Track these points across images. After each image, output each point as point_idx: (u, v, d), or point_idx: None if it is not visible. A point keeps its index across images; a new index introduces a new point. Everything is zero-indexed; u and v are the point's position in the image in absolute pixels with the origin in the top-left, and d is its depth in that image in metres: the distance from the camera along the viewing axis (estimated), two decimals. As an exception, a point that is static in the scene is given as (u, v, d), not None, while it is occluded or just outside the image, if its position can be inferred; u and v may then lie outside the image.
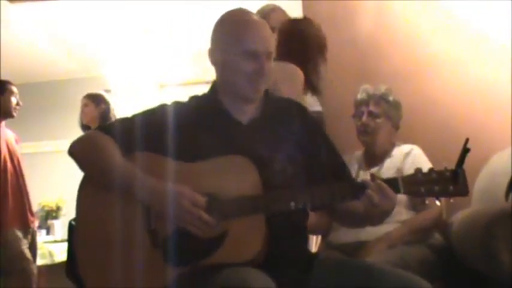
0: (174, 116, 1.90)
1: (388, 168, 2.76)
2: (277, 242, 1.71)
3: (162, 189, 1.71)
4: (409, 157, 2.75)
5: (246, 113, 1.91)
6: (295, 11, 3.42)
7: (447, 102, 3.50)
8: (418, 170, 1.71)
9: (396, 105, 2.91)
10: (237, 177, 1.75)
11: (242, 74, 1.84)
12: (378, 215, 1.75)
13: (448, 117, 3.46)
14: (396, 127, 2.92)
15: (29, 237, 4.43)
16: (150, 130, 1.86)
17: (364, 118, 2.86)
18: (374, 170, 2.78)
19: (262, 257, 1.67)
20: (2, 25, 5.66)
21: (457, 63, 3.49)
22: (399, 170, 2.72)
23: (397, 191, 1.70)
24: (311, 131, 1.98)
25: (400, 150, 2.82)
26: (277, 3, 3.38)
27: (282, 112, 1.97)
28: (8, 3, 5.43)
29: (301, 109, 2.05)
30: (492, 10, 3.38)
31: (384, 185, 1.69)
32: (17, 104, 4.40)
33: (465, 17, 3.47)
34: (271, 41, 1.89)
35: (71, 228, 1.85)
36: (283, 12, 3.28)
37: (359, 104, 2.91)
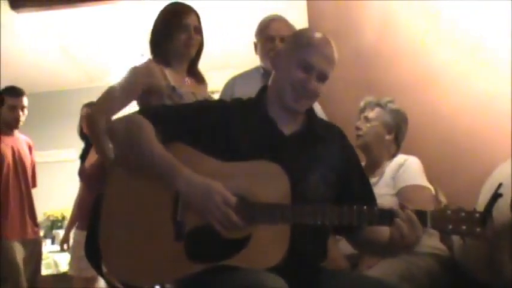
0: (217, 114, 1.93)
1: (386, 180, 2.76)
2: (297, 253, 1.72)
3: (197, 182, 1.73)
4: (402, 168, 2.76)
5: (290, 125, 1.95)
6: (300, 23, 3.43)
7: (450, 114, 3.49)
8: (447, 207, 1.73)
9: (394, 113, 2.91)
10: (268, 183, 1.76)
11: (290, 81, 1.90)
12: (401, 246, 1.76)
13: (451, 128, 3.45)
14: (393, 135, 2.91)
15: (30, 248, 4.38)
16: (191, 123, 1.89)
17: (358, 122, 2.91)
18: (373, 180, 2.78)
19: (281, 265, 1.67)
20: (8, 34, 5.69)
21: (460, 75, 3.48)
22: (393, 179, 2.73)
23: (424, 224, 1.71)
24: (348, 159, 2.02)
25: (397, 161, 2.82)
26: (283, 15, 3.38)
27: (324, 134, 2.00)
28: (13, 12, 5.46)
29: (342, 136, 2.08)
30: (494, 23, 3.38)
31: (414, 217, 1.70)
32: (15, 113, 4.32)
33: (468, 30, 3.48)
34: (330, 63, 1.93)
35: (98, 201, 1.85)
36: (285, 22, 3.27)
37: (359, 114, 2.96)
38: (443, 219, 1.70)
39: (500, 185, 1.65)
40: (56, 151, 7.67)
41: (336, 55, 1.96)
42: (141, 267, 1.74)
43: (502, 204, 2.35)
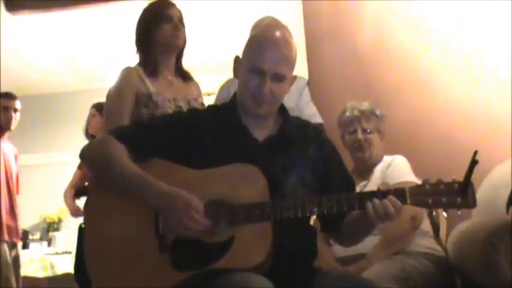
0: (189, 124, 1.92)
1: (374, 182, 2.75)
2: (283, 251, 1.71)
3: (164, 194, 1.73)
4: (389, 168, 2.77)
5: (263, 130, 1.94)
6: (296, 23, 3.43)
7: (448, 115, 3.50)
8: (426, 181, 1.70)
9: (384, 119, 2.94)
10: (246, 184, 1.76)
11: (247, 89, 1.88)
12: (382, 223, 1.73)
13: (448, 129, 3.47)
14: (383, 139, 2.94)
15: (15, 250, 4.48)
16: (163, 139, 1.89)
17: (360, 135, 2.87)
18: (362, 184, 2.80)
19: (267, 264, 1.67)
20: (5, 37, 5.68)
21: (458, 76, 3.50)
22: (381, 179, 2.73)
23: (403, 201, 1.69)
24: (327, 157, 1.98)
25: (384, 162, 2.84)
26: (279, 15, 3.36)
27: (299, 135, 1.97)
28: (10, 14, 5.44)
29: (319, 133, 2.07)
30: (491, 21, 3.40)
31: (392, 197, 1.68)
32: (8, 114, 4.46)
33: (464, 30, 3.49)
34: (283, 63, 1.88)
35: (81, 230, 1.86)
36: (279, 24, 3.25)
37: (350, 121, 2.91)
38: (423, 194, 1.68)
39: (475, 152, 1.62)
40: (52, 153, 7.65)
41: (291, 51, 1.90)
42: (130, 284, 1.74)
43: (498, 204, 2.36)
